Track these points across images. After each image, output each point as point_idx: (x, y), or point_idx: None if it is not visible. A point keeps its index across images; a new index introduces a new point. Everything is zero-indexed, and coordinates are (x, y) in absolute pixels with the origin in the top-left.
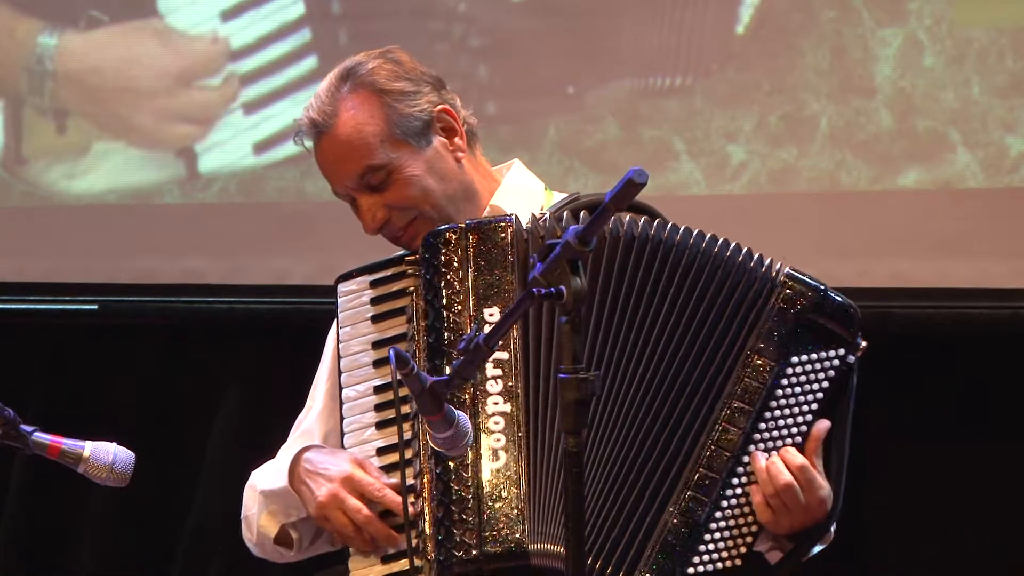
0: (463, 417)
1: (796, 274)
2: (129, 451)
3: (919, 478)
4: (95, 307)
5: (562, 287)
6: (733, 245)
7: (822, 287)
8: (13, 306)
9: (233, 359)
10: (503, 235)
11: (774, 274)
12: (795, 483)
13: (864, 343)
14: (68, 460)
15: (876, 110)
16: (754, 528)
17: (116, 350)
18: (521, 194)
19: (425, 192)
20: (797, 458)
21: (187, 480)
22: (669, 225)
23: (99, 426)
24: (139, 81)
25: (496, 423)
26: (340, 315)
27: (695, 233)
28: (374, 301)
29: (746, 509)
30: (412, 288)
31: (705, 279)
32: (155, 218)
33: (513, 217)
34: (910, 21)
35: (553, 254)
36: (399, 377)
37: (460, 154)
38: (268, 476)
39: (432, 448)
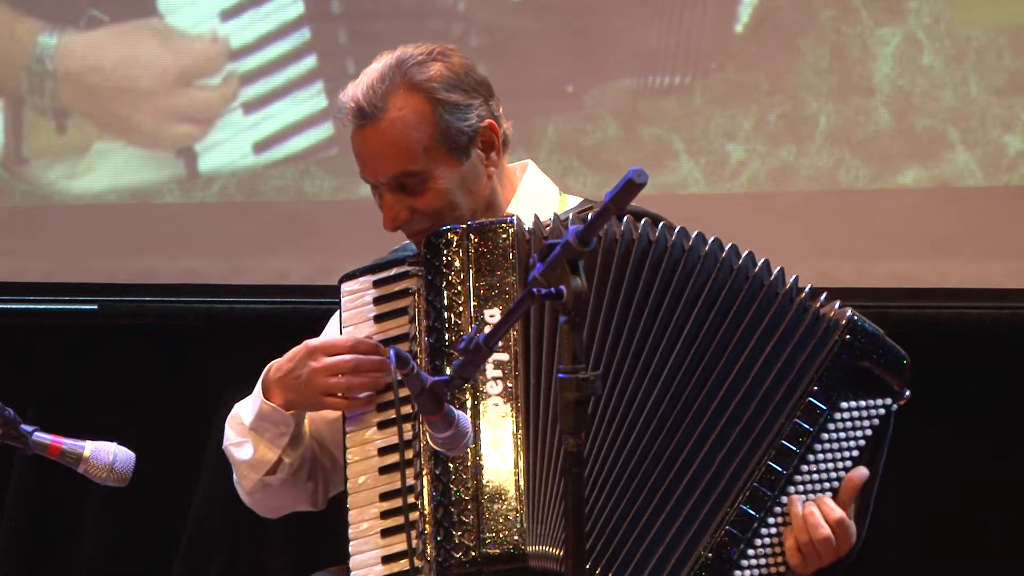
0: (463, 417)
1: (856, 318)
2: (129, 451)
3: (917, 479)
4: (95, 307)
5: (562, 287)
6: (786, 275)
7: (879, 334)
8: (13, 306)
9: (233, 359)
10: (504, 236)
11: (833, 315)
12: (832, 536)
13: (908, 392)
14: (68, 460)
15: (875, 109)
16: (782, 569)
17: (116, 350)
18: (537, 200)
19: (452, 205)
20: (835, 511)
21: (187, 480)
22: (728, 248)
23: (99, 426)
24: (139, 81)
25: (496, 424)
26: (343, 315)
27: (762, 263)
28: (377, 301)
29: (777, 550)
30: (415, 288)
31: (771, 316)
32: (155, 218)
33: (515, 218)
34: (909, 20)
35: (553, 254)
36: (399, 377)
37: (492, 169)
38: (248, 409)
39: (432, 448)
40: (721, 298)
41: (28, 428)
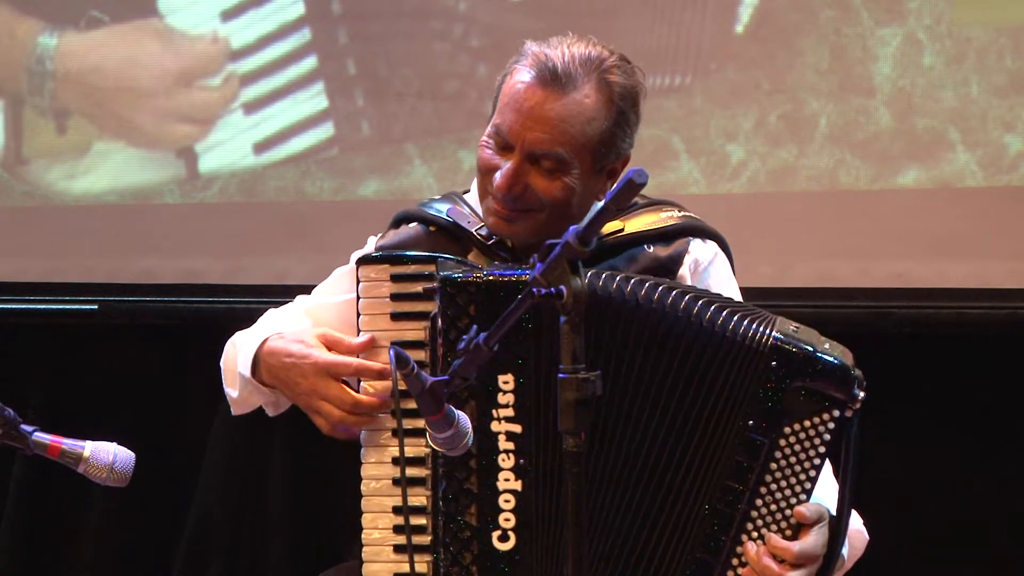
0: (463, 417)
1: (782, 340)
2: (129, 451)
3: (917, 478)
4: (95, 307)
5: (562, 287)
6: (715, 309)
7: (809, 350)
8: (13, 306)
9: None
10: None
11: (759, 344)
12: (795, 572)
13: (862, 394)
14: (68, 460)
15: (875, 109)
16: None
17: (116, 350)
18: None
19: (566, 205)
20: (790, 548)
21: (187, 480)
22: (661, 288)
23: (99, 426)
24: (139, 81)
25: (507, 501)
26: (360, 300)
27: (687, 298)
28: (394, 297)
29: None
30: (429, 289)
31: (697, 351)
32: (155, 218)
33: (532, 271)
34: (909, 20)
35: (553, 254)
36: (400, 380)
37: (600, 196)
38: (244, 357)
39: (441, 501)
40: (679, 352)
41: (28, 428)
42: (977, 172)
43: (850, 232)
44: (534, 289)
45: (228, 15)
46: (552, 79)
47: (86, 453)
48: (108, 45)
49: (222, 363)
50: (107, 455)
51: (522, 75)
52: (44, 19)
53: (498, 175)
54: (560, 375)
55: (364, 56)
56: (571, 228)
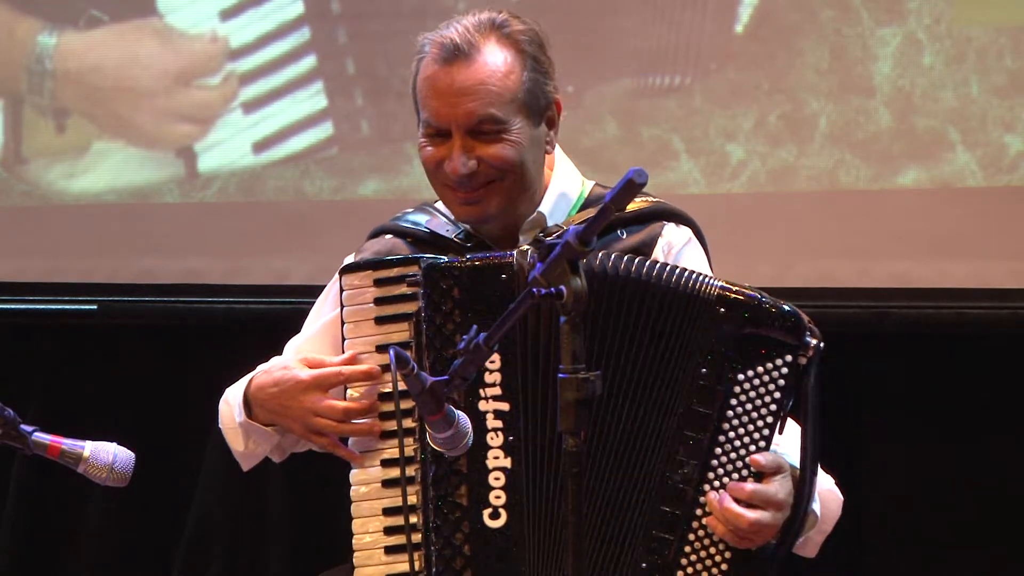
0: (463, 417)
1: (728, 288)
2: (129, 451)
3: (917, 478)
4: (95, 307)
5: (562, 287)
6: (659, 265)
7: (756, 298)
8: (13, 306)
9: (233, 359)
10: (504, 275)
11: (705, 292)
12: (758, 515)
13: (815, 341)
14: (68, 460)
15: (875, 109)
16: (727, 555)
17: (116, 350)
18: (562, 202)
19: (521, 163)
20: (744, 488)
21: (187, 480)
22: (599, 255)
23: (99, 426)
24: (139, 81)
25: (496, 479)
26: (344, 309)
27: (625, 259)
28: (378, 301)
29: (715, 538)
30: (414, 292)
31: (647, 305)
32: (155, 218)
33: (515, 253)
34: (909, 20)
35: (553, 254)
36: (400, 381)
37: (548, 148)
38: (237, 407)
39: (431, 485)
40: (624, 308)
41: (28, 428)
42: (977, 172)
43: (850, 232)
44: (534, 289)
45: (227, 14)
46: (456, 53)
47: (86, 453)
48: (107, 44)
49: (220, 424)
50: (107, 455)
51: (429, 65)
52: (43, 18)
53: (447, 163)
54: (560, 375)
55: (363, 55)
56: (571, 228)
